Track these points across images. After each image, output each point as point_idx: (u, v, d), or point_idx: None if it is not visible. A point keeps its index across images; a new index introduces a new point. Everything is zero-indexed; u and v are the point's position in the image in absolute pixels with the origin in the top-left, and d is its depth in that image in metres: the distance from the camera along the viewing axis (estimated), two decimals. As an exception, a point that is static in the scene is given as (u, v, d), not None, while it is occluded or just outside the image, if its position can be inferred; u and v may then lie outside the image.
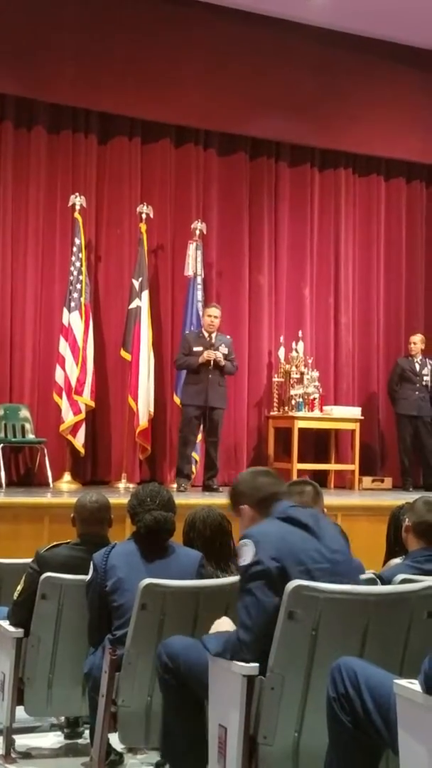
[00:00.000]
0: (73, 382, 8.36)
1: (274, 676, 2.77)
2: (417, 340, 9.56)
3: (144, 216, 8.83)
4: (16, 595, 4.08)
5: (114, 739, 3.65)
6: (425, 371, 9.44)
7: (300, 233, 9.91)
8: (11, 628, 4.06)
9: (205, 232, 9.11)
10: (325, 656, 2.73)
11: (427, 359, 9.55)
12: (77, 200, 8.59)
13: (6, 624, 4.12)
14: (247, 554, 2.90)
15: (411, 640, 2.84)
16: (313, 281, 9.95)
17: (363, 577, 3.40)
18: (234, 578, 3.55)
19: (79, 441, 8.46)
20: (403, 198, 10.46)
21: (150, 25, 8.93)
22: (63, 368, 8.42)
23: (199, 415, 8.25)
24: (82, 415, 8.44)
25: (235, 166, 9.68)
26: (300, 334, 9.50)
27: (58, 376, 8.45)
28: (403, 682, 2.43)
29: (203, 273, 9.07)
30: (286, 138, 9.78)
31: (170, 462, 8.94)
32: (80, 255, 8.51)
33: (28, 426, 8.42)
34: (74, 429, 8.43)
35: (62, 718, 4.49)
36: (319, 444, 9.64)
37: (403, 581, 3.19)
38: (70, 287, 8.49)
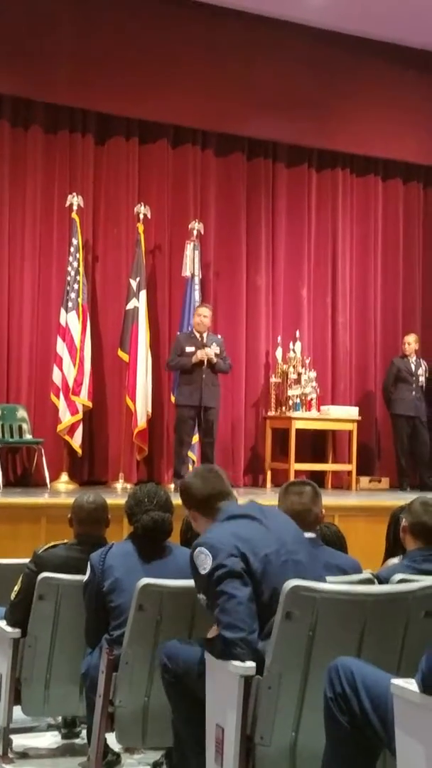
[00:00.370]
0: (71, 383, 8.35)
1: (272, 676, 2.77)
2: (411, 340, 9.57)
3: (141, 216, 8.83)
4: (13, 595, 4.08)
5: (111, 739, 3.66)
6: (420, 371, 9.46)
7: (297, 233, 9.92)
8: (8, 628, 4.06)
9: (202, 233, 9.11)
10: (322, 656, 2.73)
11: (421, 359, 9.58)
12: (74, 200, 8.59)
13: (3, 624, 4.11)
14: (205, 562, 2.96)
15: (408, 639, 2.85)
16: (311, 281, 9.95)
17: (360, 577, 3.41)
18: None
19: (76, 441, 8.45)
20: (400, 199, 10.47)
21: (147, 25, 8.94)
22: (60, 368, 8.42)
23: (193, 416, 8.24)
24: (80, 416, 8.44)
25: (233, 166, 9.69)
26: (297, 334, 9.50)
27: (56, 376, 8.45)
28: (400, 681, 2.43)
29: (201, 273, 9.07)
30: (283, 138, 9.79)
31: (167, 462, 8.94)
32: (77, 255, 8.50)
33: (25, 426, 8.42)
34: (71, 429, 8.43)
35: (59, 718, 4.49)
36: (316, 444, 9.64)
37: (401, 581, 3.19)
38: (68, 287, 8.49)
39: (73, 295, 8.46)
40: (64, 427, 8.38)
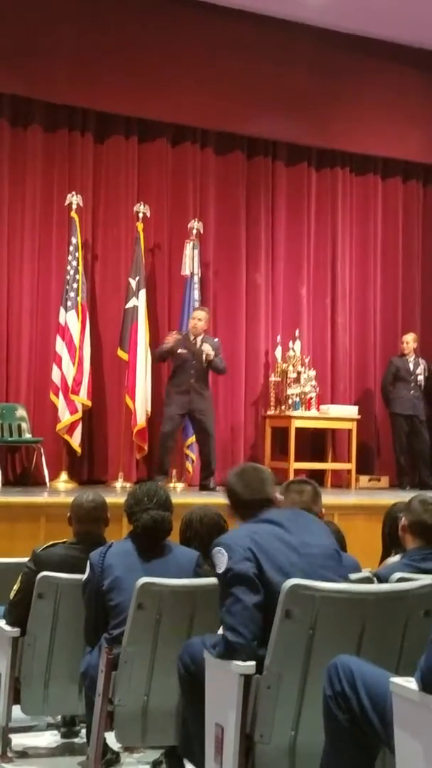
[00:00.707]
0: (70, 382, 8.35)
1: (271, 674, 2.77)
2: (409, 339, 9.58)
3: (141, 215, 8.83)
4: (12, 594, 4.08)
5: (110, 738, 3.66)
6: (419, 370, 9.46)
7: (297, 232, 9.91)
8: (8, 627, 4.06)
9: (202, 232, 9.10)
10: (321, 655, 2.73)
11: (420, 358, 9.58)
12: (74, 199, 8.58)
13: (2, 623, 4.12)
14: (221, 561, 2.97)
15: (407, 638, 2.85)
16: (310, 280, 9.95)
17: (359, 575, 3.41)
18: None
19: (75, 440, 8.45)
20: (400, 197, 10.46)
21: (147, 23, 8.93)
22: (60, 367, 8.41)
23: (181, 417, 8.23)
24: (79, 415, 8.43)
25: (232, 165, 9.68)
26: (297, 333, 9.49)
27: (55, 375, 8.44)
28: (400, 680, 2.43)
29: (200, 272, 9.06)
30: (283, 137, 9.78)
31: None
32: (77, 254, 8.49)
33: (24, 425, 8.41)
34: (71, 428, 8.42)
35: (59, 718, 4.50)
36: (315, 443, 9.64)
37: (400, 580, 3.19)
38: (67, 286, 8.48)
39: (72, 294, 8.45)
40: (63, 426, 8.37)
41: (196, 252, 8.95)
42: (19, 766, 4.10)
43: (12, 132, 8.80)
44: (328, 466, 9.55)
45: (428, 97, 10.09)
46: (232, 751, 2.84)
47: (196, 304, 8.89)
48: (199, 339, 8.31)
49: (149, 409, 8.65)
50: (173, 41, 9.02)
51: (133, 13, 8.88)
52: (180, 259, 9.00)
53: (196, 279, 8.97)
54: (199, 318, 8.37)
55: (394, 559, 3.76)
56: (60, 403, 8.37)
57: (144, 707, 3.45)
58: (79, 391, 8.37)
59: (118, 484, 8.49)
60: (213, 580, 3.54)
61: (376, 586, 3.12)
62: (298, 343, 9.42)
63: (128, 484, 8.31)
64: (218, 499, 7.17)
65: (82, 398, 8.41)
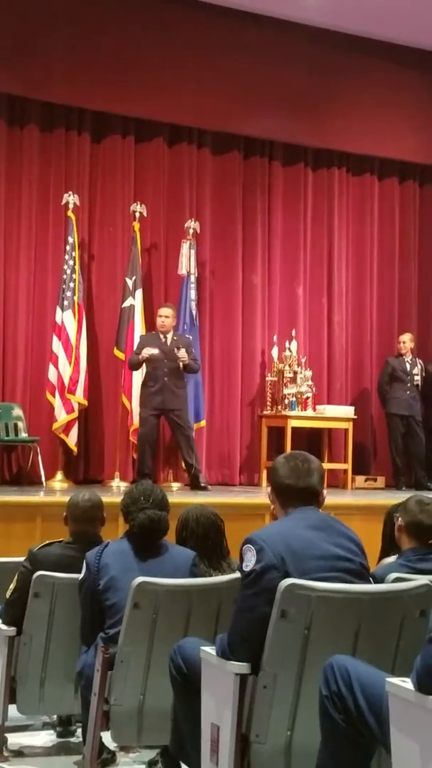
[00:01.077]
0: (66, 381, 8.35)
1: (267, 674, 2.77)
2: (406, 339, 9.58)
3: (137, 215, 8.83)
4: (8, 593, 4.08)
5: (106, 738, 3.66)
6: (415, 370, 9.47)
7: (293, 232, 9.92)
8: (3, 627, 4.07)
9: (198, 231, 9.10)
10: (317, 655, 2.73)
11: (417, 358, 9.59)
12: (70, 198, 8.58)
13: (-2, 622, 4.12)
14: (249, 561, 2.85)
15: (403, 638, 2.85)
16: (307, 280, 9.95)
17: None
18: (227, 577, 3.56)
19: (72, 440, 8.45)
20: (396, 197, 10.47)
21: (143, 23, 8.93)
22: (56, 367, 8.41)
23: (156, 416, 8.22)
24: (75, 414, 8.43)
25: (229, 165, 9.68)
26: (293, 333, 9.49)
27: (51, 374, 8.43)
28: (396, 680, 2.43)
29: (197, 272, 9.07)
30: (279, 137, 9.78)
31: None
32: (73, 253, 8.49)
33: (20, 425, 8.41)
34: (67, 428, 8.42)
35: (54, 717, 4.49)
36: (312, 443, 9.62)
37: (396, 580, 3.19)
38: (63, 286, 8.48)
39: (68, 293, 8.45)
40: (59, 426, 8.37)
41: (193, 251, 8.95)
42: (15, 766, 4.10)
43: (8, 131, 8.79)
44: (324, 466, 9.51)
45: (425, 98, 10.10)
46: (227, 751, 2.84)
47: (193, 304, 8.90)
48: (169, 336, 8.30)
49: (146, 409, 8.65)
50: (170, 41, 9.02)
51: (130, 13, 8.88)
52: (176, 259, 9.00)
53: (192, 278, 8.97)
54: (166, 315, 8.36)
55: (390, 559, 3.76)
56: (56, 402, 8.37)
57: (140, 707, 3.44)
58: (75, 390, 8.36)
59: (115, 483, 8.50)
60: (209, 580, 3.56)
61: (371, 587, 3.12)
62: (294, 342, 9.42)
63: (124, 484, 8.32)
64: (215, 498, 7.20)
65: (79, 397, 8.40)
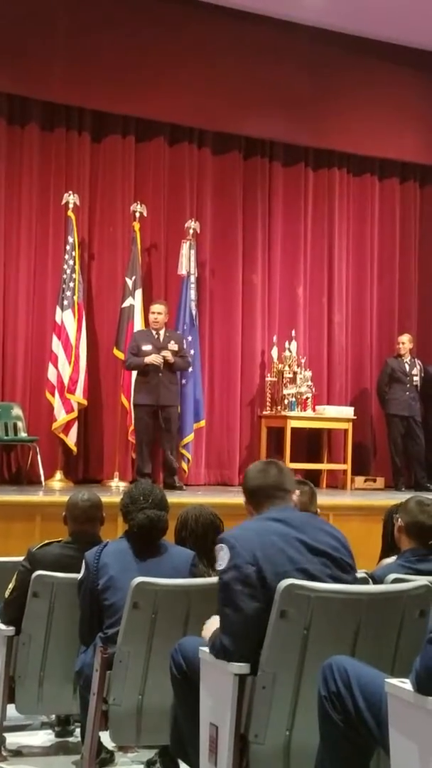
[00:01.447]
0: (66, 381, 8.35)
1: (266, 674, 2.77)
2: (405, 340, 9.58)
3: (137, 214, 8.83)
4: (7, 593, 4.08)
5: (105, 738, 3.66)
6: (414, 371, 9.47)
7: (294, 233, 9.91)
8: (2, 626, 4.06)
9: (198, 231, 9.10)
10: (316, 655, 2.73)
11: (416, 359, 9.58)
12: (70, 198, 8.58)
13: (-3, 622, 4.12)
14: (222, 559, 2.90)
15: (402, 639, 2.85)
16: (307, 280, 9.95)
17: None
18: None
19: (71, 439, 8.45)
20: (397, 198, 10.47)
21: (144, 22, 8.93)
22: (56, 366, 8.41)
23: (151, 414, 8.22)
24: (75, 414, 8.43)
25: (229, 165, 9.68)
26: (293, 333, 9.49)
27: (51, 374, 8.44)
28: (395, 680, 2.43)
29: (197, 272, 9.07)
30: (280, 137, 9.78)
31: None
32: (73, 253, 8.49)
33: (20, 424, 8.41)
34: (66, 427, 8.42)
35: (53, 717, 4.49)
36: (311, 444, 9.64)
37: (395, 581, 3.19)
38: (63, 285, 8.48)
39: (68, 293, 8.45)
40: (59, 425, 8.37)
41: (193, 251, 8.95)
42: (13, 765, 4.10)
43: (9, 131, 8.79)
44: (323, 466, 9.55)
45: (425, 98, 10.10)
46: (226, 751, 2.84)
47: (193, 304, 8.91)
48: (162, 332, 8.31)
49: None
50: (170, 40, 9.02)
51: (130, 13, 8.88)
52: (176, 259, 9.00)
53: (192, 278, 8.97)
54: (159, 312, 8.39)
55: (390, 560, 3.76)
56: (56, 402, 8.37)
57: (139, 706, 3.44)
58: (74, 390, 8.36)
59: (114, 483, 8.50)
60: (208, 580, 3.55)
61: (371, 587, 3.12)
62: (294, 343, 9.42)
63: (123, 484, 8.32)
64: (214, 498, 7.19)
65: (78, 397, 8.40)
